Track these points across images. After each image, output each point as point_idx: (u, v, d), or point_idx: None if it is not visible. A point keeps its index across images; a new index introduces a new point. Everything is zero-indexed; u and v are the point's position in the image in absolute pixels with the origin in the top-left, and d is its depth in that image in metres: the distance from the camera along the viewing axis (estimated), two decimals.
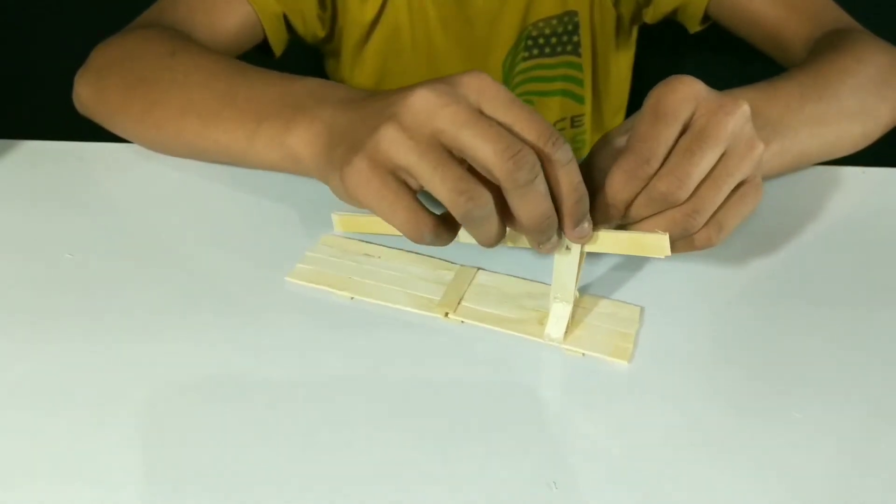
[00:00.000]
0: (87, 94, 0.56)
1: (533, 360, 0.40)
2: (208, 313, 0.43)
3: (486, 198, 0.34)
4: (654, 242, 0.38)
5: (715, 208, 0.37)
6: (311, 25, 0.68)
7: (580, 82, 0.75)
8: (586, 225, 0.37)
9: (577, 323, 0.42)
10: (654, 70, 0.87)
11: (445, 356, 0.40)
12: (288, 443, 0.36)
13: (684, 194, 0.36)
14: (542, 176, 0.34)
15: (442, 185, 0.34)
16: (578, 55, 0.73)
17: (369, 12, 0.69)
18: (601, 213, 0.38)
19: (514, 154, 0.33)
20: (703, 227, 0.38)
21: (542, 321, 0.42)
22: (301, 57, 0.77)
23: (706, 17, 0.67)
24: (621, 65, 0.78)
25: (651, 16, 0.70)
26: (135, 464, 0.35)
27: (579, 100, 0.76)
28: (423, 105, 0.34)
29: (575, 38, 0.71)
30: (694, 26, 0.68)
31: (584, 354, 0.40)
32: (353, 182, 0.36)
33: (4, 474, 0.34)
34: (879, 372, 0.40)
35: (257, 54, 0.66)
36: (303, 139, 0.42)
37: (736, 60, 0.84)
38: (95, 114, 0.56)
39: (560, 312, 0.41)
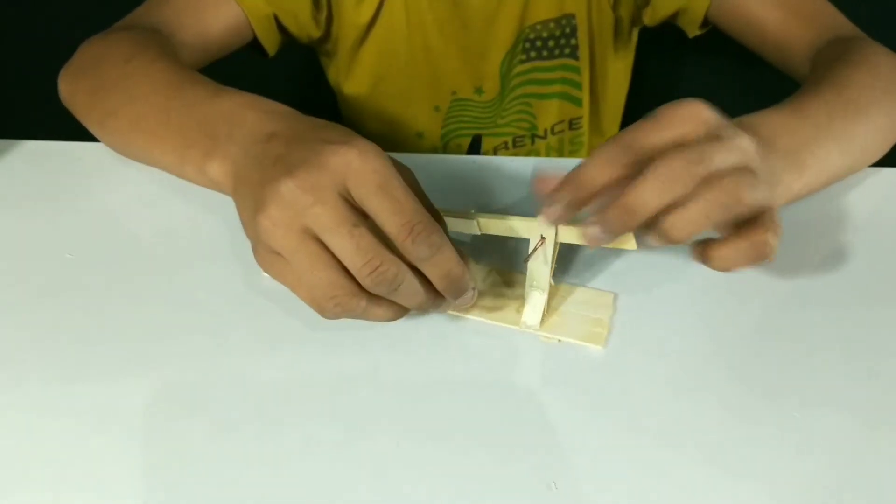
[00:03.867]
0: (65, 92, 0.57)
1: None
2: (208, 312, 0.43)
3: (355, 303, 0.35)
4: (622, 239, 0.38)
5: (652, 212, 0.35)
6: (305, 26, 0.67)
7: (578, 85, 0.75)
8: (468, 294, 0.38)
9: (553, 311, 0.43)
10: (654, 74, 0.87)
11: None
12: (284, 444, 0.36)
13: (640, 208, 0.35)
14: (408, 280, 0.35)
15: (312, 289, 0.35)
16: (576, 58, 0.73)
17: (365, 14, 0.68)
18: (573, 195, 0.37)
19: (372, 270, 0.34)
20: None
21: (518, 309, 0.43)
22: (297, 57, 0.77)
23: (706, 22, 0.67)
24: (620, 68, 0.78)
25: (650, 18, 0.69)
26: (134, 464, 0.35)
27: (577, 103, 0.76)
28: (290, 201, 0.34)
29: (573, 42, 0.72)
30: (693, 30, 0.67)
31: (559, 340, 0.41)
32: (260, 264, 0.37)
33: (4, 474, 0.34)
34: (878, 372, 0.40)
35: (252, 54, 0.66)
36: (219, 173, 0.42)
37: (736, 65, 0.84)
38: (73, 112, 0.57)
39: (536, 300, 0.42)
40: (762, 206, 0.36)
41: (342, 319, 0.35)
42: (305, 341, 0.41)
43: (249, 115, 0.41)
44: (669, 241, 0.36)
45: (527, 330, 0.42)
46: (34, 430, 0.36)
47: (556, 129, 0.77)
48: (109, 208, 0.51)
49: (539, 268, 0.41)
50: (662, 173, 0.34)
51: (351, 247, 0.33)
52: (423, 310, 0.38)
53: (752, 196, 0.36)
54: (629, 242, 0.38)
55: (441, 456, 0.35)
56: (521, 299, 0.43)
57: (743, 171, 0.36)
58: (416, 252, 0.34)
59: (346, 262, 0.34)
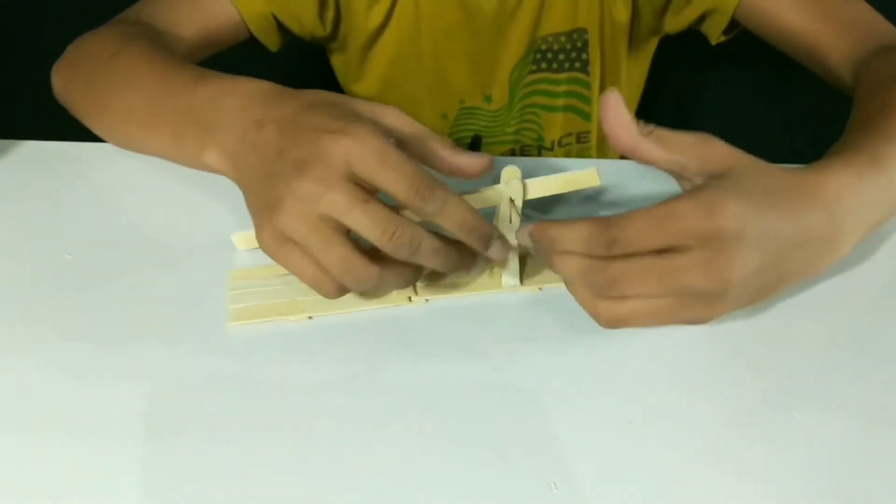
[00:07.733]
0: (59, 88, 0.58)
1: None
2: (208, 313, 0.42)
3: (368, 273, 0.36)
4: (586, 178, 0.43)
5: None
6: (308, 26, 0.67)
7: (587, 100, 0.74)
8: (496, 245, 0.39)
9: (524, 262, 0.44)
10: (670, 87, 0.87)
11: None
12: (284, 446, 0.36)
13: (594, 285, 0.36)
14: (426, 240, 0.37)
15: (327, 266, 0.36)
16: (587, 73, 0.72)
17: (375, 19, 0.68)
18: (541, 244, 0.37)
19: (390, 236, 0.36)
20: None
21: (491, 273, 0.44)
22: (304, 53, 0.76)
23: (731, 26, 0.64)
24: (633, 84, 0.77)
25: (672, 24, 0.68)
26: (134, 466, 0.35)
27: (586, 117, 0.76)
28: (304, 196, 0.36)
29: (584, 56, 0.71)
30: (716, 35, 0.65)
31: (541, 289, 0.43)
32: (265, 249, 0.38)
33: (2, 472, 0.34)
34: (880, 371, 0.39)
35: (256, 48, 0.66)
36: (216, 161, 0.43)
37: (752, 79, 0.84)
38: (67, 107, 0.58)
39: (510, 261, 0.43)
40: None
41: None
42: (306, 342, 0.41)
43: (230, 100, 0.42)
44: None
45: (510, 289, 0.43)
46: (33, 431, 0.36)
47: (564, 141, 0.77)
48: (109, 208, 0.51)
49: (505, 228, 0.42)
50: (629, 277, 0.35)
51: (367, 220, 0.35)
52: (456, 269, 0.39)
53: (693, 319, 0.37)
54: (594, 180, 0.43)
55: (441, 456, 0.35)
56: (491, 264, 0.44)
57: (709, 297, 0.35)
58: (426, 208, 0.36)
59: (367, 236, 0.36)
